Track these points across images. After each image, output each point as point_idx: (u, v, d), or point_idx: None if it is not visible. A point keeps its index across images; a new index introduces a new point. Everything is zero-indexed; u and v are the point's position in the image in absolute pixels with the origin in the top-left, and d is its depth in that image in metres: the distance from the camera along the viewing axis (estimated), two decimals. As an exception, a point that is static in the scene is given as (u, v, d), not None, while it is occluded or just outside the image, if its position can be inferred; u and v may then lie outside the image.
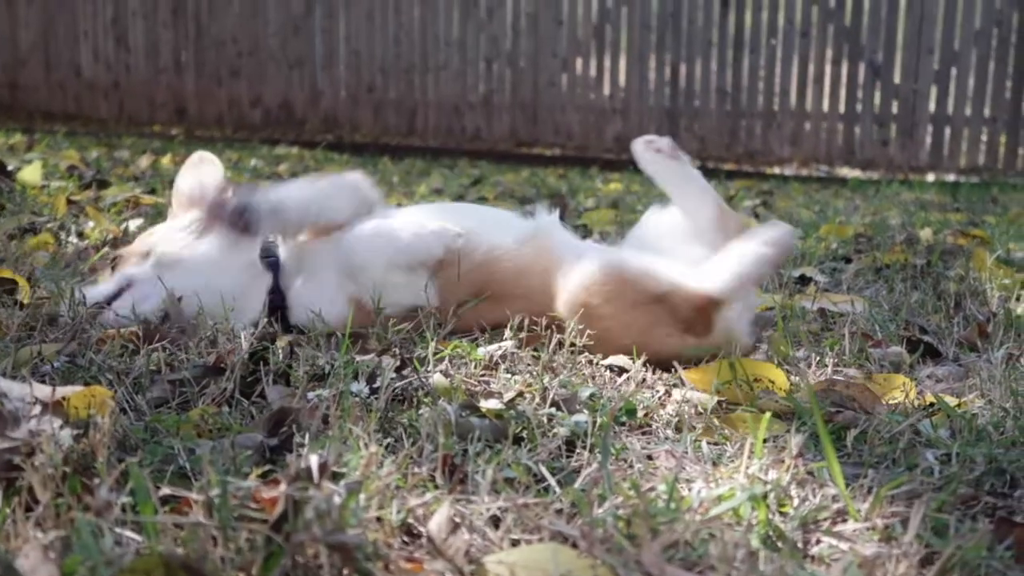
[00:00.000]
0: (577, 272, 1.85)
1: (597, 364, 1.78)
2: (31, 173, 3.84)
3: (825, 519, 1.15)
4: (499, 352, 1.75)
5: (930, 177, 7.56)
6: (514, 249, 1.95)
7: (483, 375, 1.69)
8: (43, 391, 1.22)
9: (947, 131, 7.51)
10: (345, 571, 0.96)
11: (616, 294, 1.79)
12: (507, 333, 1.84)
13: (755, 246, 1.79)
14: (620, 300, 1.79)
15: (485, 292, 1.91)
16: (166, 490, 1.06)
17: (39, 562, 0.92)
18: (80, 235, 2.73)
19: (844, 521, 1.15)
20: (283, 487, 0.97)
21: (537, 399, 1.52)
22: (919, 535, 1.08)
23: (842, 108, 7.77)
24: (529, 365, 1.73)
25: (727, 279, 1.78)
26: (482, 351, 1.74)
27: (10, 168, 4.10)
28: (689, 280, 1.80)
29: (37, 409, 1.17)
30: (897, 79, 7.59)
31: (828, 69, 7.75)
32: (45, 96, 10.37)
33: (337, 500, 0.99)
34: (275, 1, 9.30)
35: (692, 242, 2.02)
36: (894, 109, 7.63)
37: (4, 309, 1.85)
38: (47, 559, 0.93)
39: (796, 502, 1.17)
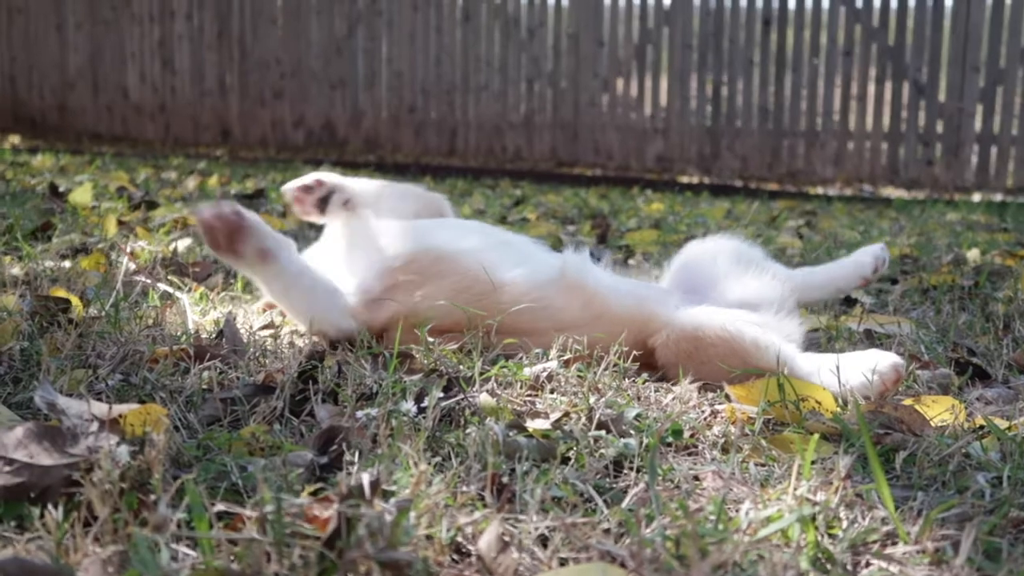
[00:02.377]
0: (690, 325, 1.86)
1: (643, 383, 1.79)
2: (82, 194, 3.91)
3: (875, 541, 1.15)
4: (544, 373, 1.75)
5: (976, 197, 7.49)
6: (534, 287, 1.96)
7: (529, 395, 1.70)
8: (100, 408, 1.24)
9: (993, 150, 7.44)
10: (397, 588, 0.97)
11: (728, 357, 1.81)
12: (552, 353, 1.85)
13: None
14: (732, 360, 1.81)
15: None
16: (220, 506, 1.08)
17: (98, 576, 0.94)
18: (131, 255, 2.78)
19: (894, 544, 1.14)
20: (336, 504, 0.99)
21: (583, 419, 1.53)
22: (970, 558, 1.07)
23: (886, 127, 7.73)
24: (574, 385, 1.73)
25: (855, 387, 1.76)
26: (528, 371, 1.75)
27: (61, 189, 4.18)
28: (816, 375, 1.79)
29: (95, 426, 1.19)
30: (942, 98, 7.54)
31: (871, 88, 7.72)
32: (93, 118, 10.55)
33: (388, 518, 1.01)
34: (318, 23, 9.42)
35: (743, 269, 2.06)
36: (939, 128, 7.57)
37: (59, 328, 1.88)
38: (106, 573, 0.95)
39: (845, 524, 1.17)
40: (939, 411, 1.61)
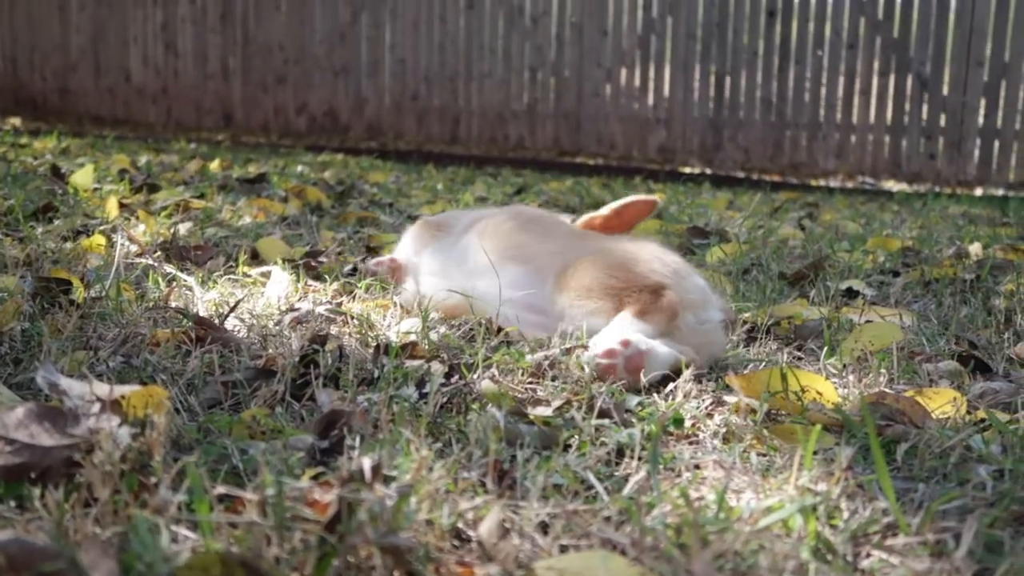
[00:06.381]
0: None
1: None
2: (83, 176, 3.90)
3: (875, 533, 1.14)
4: (547, 360, 1.75)
5: (978, 191, 7.48)
6: None
7: (531, 382, 1.70)
8: (102, 389, 1.24)
9: (996, 144, 7.43)
10: (397, 573, 0.97)
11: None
12: (554, 340, 1.84)
13: None
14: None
15: None
16: (221, 489, 1.07)
17: (99, 557, 0.94)
18: (130, 239, 2.77)
19: (895, 535, 1.14)
20: (336, 489, 0.99)
21: (585, 407, 1.53)
22: (971, 551, 1.07)
23: (889, 120, 7.71)
24: (576, 373, 1.73)
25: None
26: (530, 358, 1.75)
27: (63, 171, 4.17)
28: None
29: (96, 407, 1.19)
30: (945, 91, 7.52)
31: (875, 81, 7.70)
32: (95, 101, 10.53)
33: (389, 503, 1.00)
34: (322, 9, 9.40)
35: None
36: (942, 122, 7.56)
37: (60, 309, 1.88)
38: (107, 555, 0.95)
39: (846, 515, 1.17)
40: (940, 403, 1.61)
